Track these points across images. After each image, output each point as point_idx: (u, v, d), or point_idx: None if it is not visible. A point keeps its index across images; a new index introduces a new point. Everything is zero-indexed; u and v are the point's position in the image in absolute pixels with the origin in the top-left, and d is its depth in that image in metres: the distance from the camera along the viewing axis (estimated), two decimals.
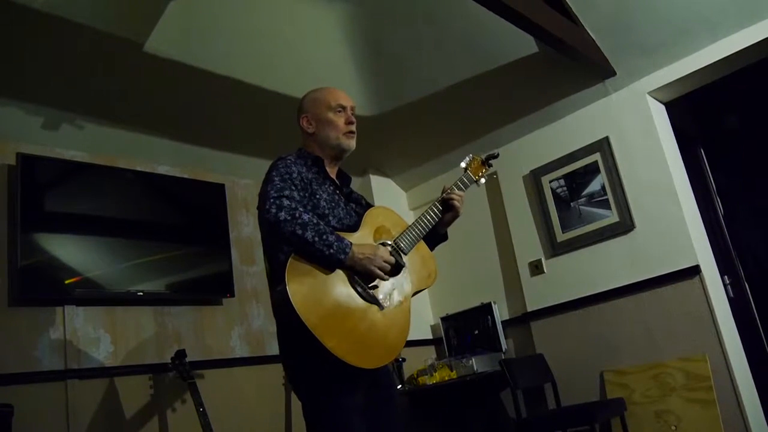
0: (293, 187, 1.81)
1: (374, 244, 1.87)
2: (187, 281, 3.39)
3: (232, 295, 3.55)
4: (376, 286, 1.82)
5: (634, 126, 3.60)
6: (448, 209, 2.07)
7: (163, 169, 3.61)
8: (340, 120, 2.01)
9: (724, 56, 3.26)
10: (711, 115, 4.64)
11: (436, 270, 2.04)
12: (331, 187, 2.00)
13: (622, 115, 3.65)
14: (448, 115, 4.00)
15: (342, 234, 1.80)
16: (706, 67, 3.34)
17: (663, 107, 3.71)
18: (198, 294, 3.49)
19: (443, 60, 3.60)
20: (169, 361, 3.12)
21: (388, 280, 1.84)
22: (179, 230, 3.49)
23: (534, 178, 3.97)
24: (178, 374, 3.05)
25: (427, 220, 2.01)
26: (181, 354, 3.09)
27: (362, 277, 1.80)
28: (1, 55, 2.72)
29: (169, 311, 3.35)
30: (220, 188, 3.72)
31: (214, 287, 3.53)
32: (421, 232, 1.98)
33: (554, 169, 3.89)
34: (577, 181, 3.79)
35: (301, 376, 1.82)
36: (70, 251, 2.99)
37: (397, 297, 1.87)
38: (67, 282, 2.92)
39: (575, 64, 3.39)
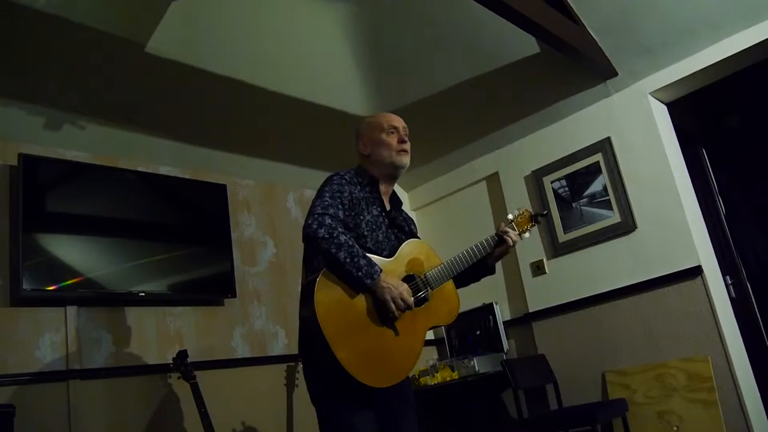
0: (340, 206, 1.93)
1: (401, 281, 1.92)
2: (188, 282, 3.39)
3: (234, 296, 3.55)
4: (396, 313, 1.89)
5: (636, 126, 3.59)
6: (500, 243, 2.13)
7: (164, 170, 3.61)
8: (393, 140, 2.12)
9: (725, 57, 3.25)
10: (713, 115, 4.63)
11: (458, 308, 2.11)
12: (378, 209, 2.09)
13: (624, 116, 3.65)
14: (449, 116, 4.00)
15: (376, 259, 1.90)
16: (707, 67, 3.33)
17: (665, 107, 3.71)
18: (199, 294, 3.49)
19: (445, 60, 3.60)
20: (171, 361, 3.11)
21: (398, 317, 1.89)
22: (181, 231, 3.49)
23: (536, 179, 3.97)
24: (180, 375, 3.04)
25: (463, 259, 2.07)
26: (182, 354, 3.08)
27: (379, 305, 1.88)
28: (3, 55, 2.73)
29: (171, 312, 3.35)
30: (221, 189, 3.72)
31: (216, 288, 3.53)
32: (454, 270, 2.04)
33: (556, 169, 3.88)
34: (579, 181, 3.79)
35: (314, 384, 1.94)
36: (72, 251, 2.99)
37: (413, 327, 1.94)
38: (68, 282, 2.91)
39: (577, 64, 3.39)
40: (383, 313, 1.87)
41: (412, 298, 1.90)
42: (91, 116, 3.19)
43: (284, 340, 3.80)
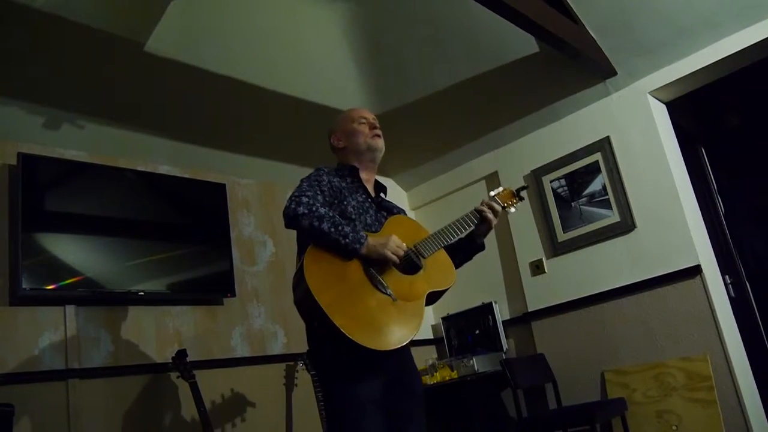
0: (318, 192, 1.94)
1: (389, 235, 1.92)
2: (187, 281, 3.39)
3: (233, 295, 3.55)
4: (390, 281, 1.87)
5: (635, 126, 3.59)
6: (482, 221, 2.14)
7: (163, 169, 3.61)
8: (364, 128, 2.18)
9: (724, 56, 3.26)
10: (712, 114, 4.63)
11: (454, 274, 2.08)
12: (363, 195, 2.11)
13: (623, 115, 3.65)
14: (448, 115, 4.00)
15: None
16: (706, 66, 3.33)
17: (664, 107, 3.71)
18: (199, 294, 3.48)
19: (444, 60, 3.60)
20: (170, 360, 3.11)
21: (399, 262, 1.88)
22: (180, 230, 3.49)
23: (535, 178, 3.97)
24: (179, 374, 3.04)
25: (452, 229, 2.06)
26: (181, 354, 3.08)
27: (377, 265, 1.87)
28: (2, 55, 2.72)
29: (170, 311, 3.35)
30: (220, 188, 3.72)
31: (215, 287, 3.53)
32: (442, 240, 2.03)
33: (555, 168, 3.88)
34: (578, 180, 3.79)
35: (320, 363, 1.94)
36: (71, 251, 2.99)
37: (411, 293, 1.91)
38: (67, 282, 2.91)
39: (576, 63, 3.39)
40: (377, 281, 1.85)
41: (405, 247, 1.90)
42: (90, 115, 3.19)
43: (283, 340, 3.80)
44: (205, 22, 3.04)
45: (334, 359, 1.85)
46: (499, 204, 2.17)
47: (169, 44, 2.99)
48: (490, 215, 2.12)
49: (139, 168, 3.44)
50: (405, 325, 1.85)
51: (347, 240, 1.82)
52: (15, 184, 2.91)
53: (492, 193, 2.23)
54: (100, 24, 2.76)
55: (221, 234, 3.63)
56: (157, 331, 3.27)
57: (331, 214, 1.86)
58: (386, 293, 1.85)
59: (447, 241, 2.04)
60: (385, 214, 2.13)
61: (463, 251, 2.20)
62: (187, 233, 3.50)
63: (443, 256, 2.09)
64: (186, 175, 3.67)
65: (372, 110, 3.86)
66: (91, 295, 3.02)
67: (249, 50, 3.25)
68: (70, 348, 2.91)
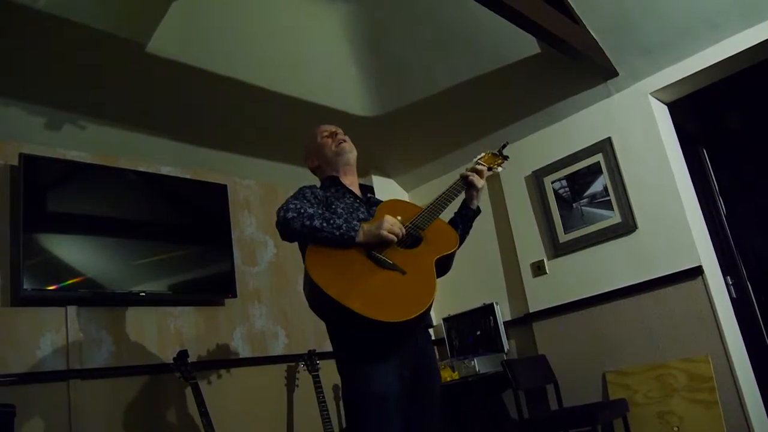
0: (306, 202, 1.96)
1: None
2: (189, 282, 3.39)
3: (234, 296, 3.55)
4: (395, 257, 1.87)
5: (637, 126, 3.59)
6: (469, 186, 2.20)
7: (165, 170, 3.61)
8: (327, 140, 2.27)
9: (726, 57, 3.25)
10: (713, 115, 4.63)
11: (456, 237, 2.10)
12: (350, 198, 2.14)
13: (625, 116, 3.64)
14: (450, 116, 4.00)
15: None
16: (708, 67, 3.33)
17: (665, 108, 3.71)
18: (200, 294, 3.49)
19: (445, 60, 3.60)
20: (171, 361, 3.11)
21: (401, 235, 1.89)
22: (181, 231, 3.49)
23: (536, 179, 3.97)
24: (180, 375, 3.05)
25: (443, 200, 2.10)
26: (183, 354, 3.09)
27: (377, 247, 1.87)
28: (3, 56, 2.73)
29: (171, 312, 3.36)
30: (222, 188, 3.72)
31: (216, 288, 3.53)
32: (437, 211, 2.07)
33: (556, 169, 3.88)
34: (579, 181, 3.79)
35: (339, 356, 1.95)
36: (73, 251, 2.99)
37: (419, 263, 1.91)
38: (69, 282, 2.92)
39: (577, 64, 3.38)
40: (381, 261, 1.85)
41: (400, 224, 1.91)
42: (92, 116, 3.19)
43: (284, 340, 3.80)
44: (207, 22, 3.04)
45: (357, 354, 1.86)
46: (484, 166, 2.22)
47: (171, 45, 2.99)
48: (474, 178, 2.17)
49: (141, 168, 3.45)
50: (420, 291, 1.84)
51: (341, 230, 1.84)
52: (16, 184, 2.91)
53: (475, 159, 2.27)
54: (102, 25, 2.76)
55: (222, 234, 3.64)
56: (159, 332, 3.27)
57: (320, 211, 1.90)
58: (394, 269, 1.85)
59: (440, 210, 2.07)
60: (375, 210, 2.14)
61: (462, 220, 2.24)
62: (188, 234, 3.51)
63: (442, 223, 2.13)
64: (187, 176, 3.67)
65: (372, 111, 3.94)
66: (93, 296, 3.02)
67: (250, 51, 3.25)
68: (71, 349, 2.91)
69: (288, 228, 1.88)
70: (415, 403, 1.95)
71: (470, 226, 2.28)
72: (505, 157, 2.34)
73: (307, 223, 1.84)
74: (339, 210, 2.03)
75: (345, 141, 2.25)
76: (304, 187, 2.10)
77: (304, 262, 1.95)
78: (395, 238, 1.87)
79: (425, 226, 2.01)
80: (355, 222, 1.89)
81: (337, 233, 1.83)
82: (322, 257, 1.83)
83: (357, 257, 1.85)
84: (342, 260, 1.84)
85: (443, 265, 2.00)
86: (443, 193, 2.13)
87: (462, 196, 2.24)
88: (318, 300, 1.80)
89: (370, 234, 1.86)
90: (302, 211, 1.87)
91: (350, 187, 2.19)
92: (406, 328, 1.78)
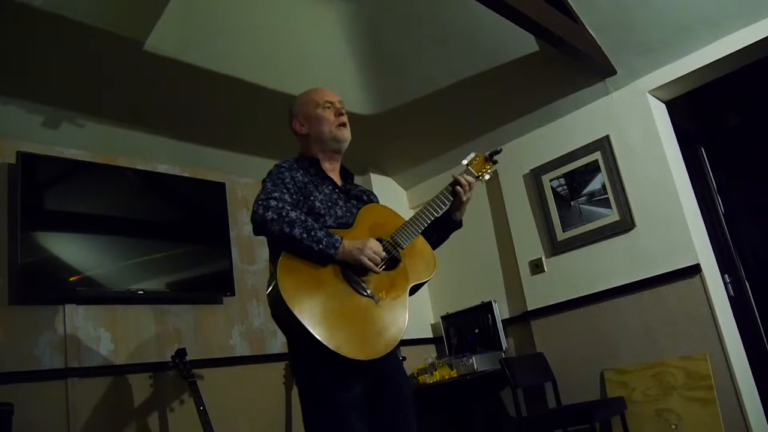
0: (284, 191, 1.83)
1: (366, 237, 1.84)
2: (187, 280, 3.39)
3: (233, 294, 3.55)
4: (369, 281, 1.80)
5: (635, 125, 3.59)
6: (455, 197, 2.04)
7: (163, 168, 3.61)
8: (330, 114, 2.04)
9: (724, 55, 3.25)
10: (711, 113, 4.64)
11: (434, 260, 2.01)
12: (330, 187, 2.00)
13: (623, 114, 3.64)
14: (448, 114, 4.00)
15: (336, 231, 1.81)
16: (706, 65, 3.33)
17: (663, 106, 3.71)
18: (198, 293, 3.49)
19: (444, 58, 3.60)
20: (170, 359, 3.12)
21: (379, 272, 1.81)
22: (179, 229, 3.49)
23: (534, 177, 3.97)
24: (179, 373, 3.05)
25: (427, 212, 1.98)
26: (181, 353, 3.09)
27: (355, 270, 1.78)
28: (2, 54, 2.72)
29: (170, 310, 3.36)
30: (220, 187, 3.72)
31: (215, 286, 3.53)
32: (419, 226, 1.95)
33: (555, 167, 3.88)
34: (578, 179, 3.79)
35: (299, 372, 1.84)
36: (71, 250, 2.99)
37: (393, 290, 1.84)
38: (67, 280, 2.92)
39: (575, 62, 3.38)
40: (356, 283, 1.77)
41: (383, 251, 1.81)
42: (90, 114, 3.19)
43: (283, 339, 3.79)
44: (205, 21, 3.03)
45: (315, 369, 1.75)
46: (473, 175, 2.09)
47: (169, 43, 2.98)
48: (460, 190, 2.02)
49: (139, 167, 3.45)
50: (391, 326, 1.78)
51: (321, 246, 1.72)
52: (14, 183, 2.91)
53: (464, 162, 2.14)
54: (100, 23, 2.75)
55: (221, 233, 3.63)
56: (157, 330, 3.27)
57: (303, 218, 1.75)
58: (367, 295, 1.78)
59: (423, 225, 1.95)
60: (355, 203, 2.04)
61: (438, 230, 2.09)
62: (186, 232, 3.51)
63: (421, 244, 2.00)
64: (185, 174, 3.67)
65: (371, 109, 3.94)
66: (91, 294, 3.02)
67: (248, 49, 3.25)
68: (69, 347, 2.91)
69: (265, 229, 1.75)
70: (384, 412, 1.83)
71: (447, 237, 2.15)
72: (495, 162, 2.22)
73: (287, 230, 1.71)
74: (317, 203, 1.89)
75: (346, 126, 2.05)
76: (282, 166, 1.93)
77: (272, 259, 1.85)
78: (375, 268, 1.78)
79: (406, 243, 1.90)
80: (335, 237, 1.76)
81: (316, 249, 1.72)
82: (295, 269, 1.72)
83: (331, 274, 1.76)
84: (315, 276, 1.74)
85: (415, 289, 1.93)
86: (428, 203, 2.00)
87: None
88: (280, 311, 1.69)
89: (350, 255, 1.76)
90: (283, 213, 1.73)
91: (330, 174, 2.04)
92: (369, 362, 1.71)
